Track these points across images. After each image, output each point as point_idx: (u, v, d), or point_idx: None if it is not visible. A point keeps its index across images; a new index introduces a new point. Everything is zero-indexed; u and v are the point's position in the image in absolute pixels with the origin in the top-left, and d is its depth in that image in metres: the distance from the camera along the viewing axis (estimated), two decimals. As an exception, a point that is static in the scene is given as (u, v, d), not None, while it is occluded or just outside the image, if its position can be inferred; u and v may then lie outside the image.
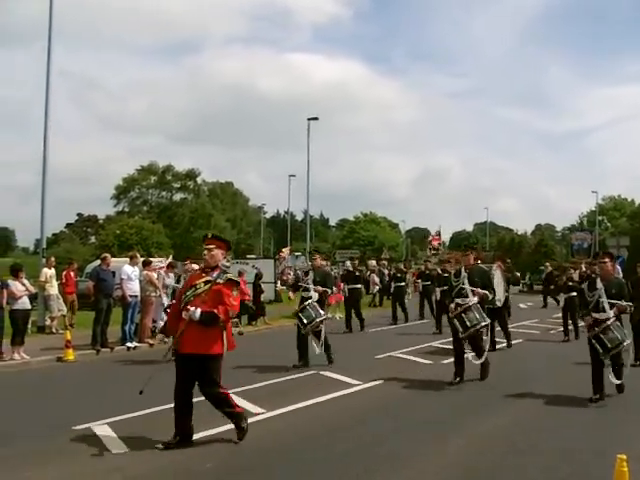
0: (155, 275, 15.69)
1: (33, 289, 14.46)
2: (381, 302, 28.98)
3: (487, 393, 9.66)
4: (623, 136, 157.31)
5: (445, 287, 12.70)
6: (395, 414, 8.49)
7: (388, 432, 7.49)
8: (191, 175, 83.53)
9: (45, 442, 6.91)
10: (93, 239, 79.20)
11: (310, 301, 12.11)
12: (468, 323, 10.23)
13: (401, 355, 13.63)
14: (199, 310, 6.64)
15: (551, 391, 9.73)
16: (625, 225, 65.02)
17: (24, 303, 13.18)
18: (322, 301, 12.56)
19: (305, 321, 11.95)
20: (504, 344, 14.78)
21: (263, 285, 21.95)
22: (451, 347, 10.95)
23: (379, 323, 20.91)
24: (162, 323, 8.91)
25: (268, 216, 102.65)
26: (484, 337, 10.75)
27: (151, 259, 17.50)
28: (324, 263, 21.00)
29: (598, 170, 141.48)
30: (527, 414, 8.48)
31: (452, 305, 10.44)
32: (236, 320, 19.03)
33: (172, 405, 6.89)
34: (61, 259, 27.53)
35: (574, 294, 15.09)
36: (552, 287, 28.62)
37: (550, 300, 28.04)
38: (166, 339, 13.47)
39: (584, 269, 16.24)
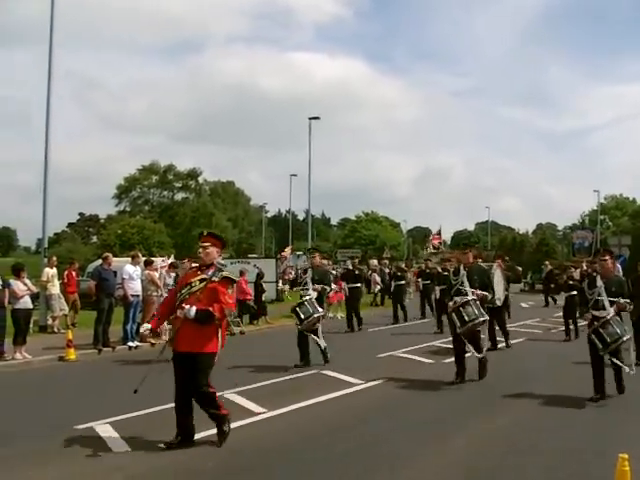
0: (157, 274, 15.72)
1: (35, 289, 14.48)
2: (382, 301, 28.96)
3: (487, 393, 9.66)
4: (625, 135, 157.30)
5: (444, 286, 12.67)
6: (396, 414, 8.50)
7: (389, 432, 7.50)
8: (192, 174, 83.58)
9: (46, 442, 6.92)
10: (95, 239, 79.24)
11: (308, 297, 12.11)
12: (466, 318, 10.16)
13: (402, 354, 13.63)
14: (194, 308, 6.60)
15: (551, 391, 9.73)
16: (627, 224, 65.09)
17: (26, 303, 13.20)
18: (321, 299, 12.55)
19: (302, 316, 11.94)
20: (504, 344, 14.75)
21: (265, 285, 21.96)
22: (452, 346, 10.94)
23: (380, 322, 20.90)
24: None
25: (269, 215, 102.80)
26: (482, 335, 10.71)
27: (153, 259, 17.53)
28: (325, 262, 21.03)
29: (600, 169, 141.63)
30: (527, 414, 8.47)
31: (451, 303, 10.42)
32: (237, 320, 19.09)
33: (174, 404, 6.90)
34: (63, 259, 27.49)
35: (574, 293, 15.06)
36: (552, 286, 28.67)
37: (557, 297, 27.98)
38: (153, 341, 13.58)
39: (585, 268, 16.22)
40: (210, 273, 6.84)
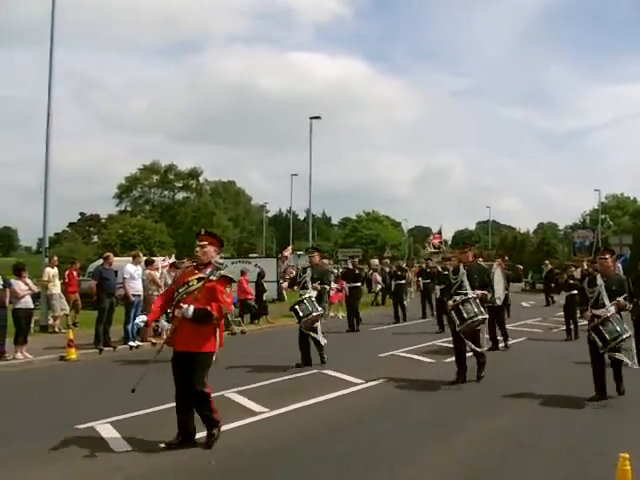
0: (158, 274, 15.73)
1: (36, 288, 14.49)
2: (383, 301, 28.97)
3: (488, 393, 9.65)
4: (625, 135, 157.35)
5: (444, 285, 12.63)
6: (396, 413, 8.50)
7: (389, 431, 7.50)
8: (193, 174, 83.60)
9: (47, 441, 6.91)
10: (95, 238, 79.29)
11: (308, 296, 12.10)
12: (465, 315, 10.11)
13: (403, 354, 13.63)
14: (192, 307, 6.58)
15: (552, 391, 9.73)
16: (628, 223, 65.06)
17: (27, 302, 13.21)
18: (320, 298, 12.53)
19: (301, 314, 11.91)
20: (502, 344, 14.70)
21: (265, 284, 21.96)
22: (453, 346, 10.92)
23: (381, 322, 20.91)
24: (164, 322, 8.85)
25: (270, 215, 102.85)
26: (481, 335, 10.65)
27: (153, 258, 17.54)
28: (326, 262, 21.03)
29: (600, 169, 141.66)
30: (528, 413, 8.47)
31: (450, 301, 10.39)
32: (239, 319, 19.11)
33: (174, 404, 6.89)
34: (64, 258, 27.51)
35: (575, 292, 15.03)
36: (552, 285, 28.65)
37: (556, 297, 27.94)
38: (154, 340, 13.59)
39: (586, 267, 16.21)
40: (208, 272, 6.81)
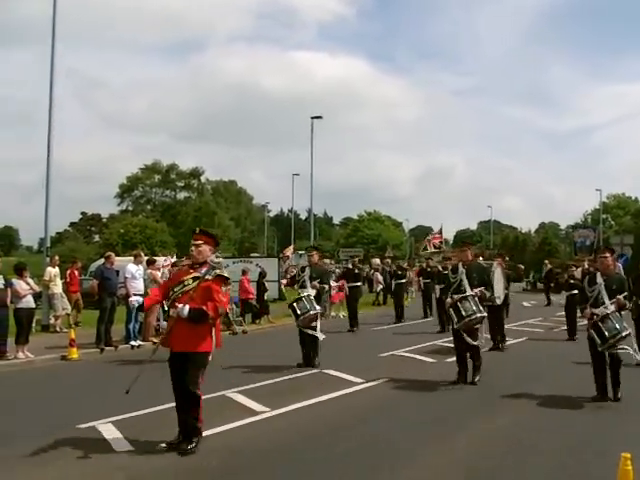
0: (159, 274, 15.73)
1: (37, 288, 14.51)
2: (385, 300, 28.98)
3: (488, 393, 9.65)
4: (627, 134, 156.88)
5: (444, 284, 12.59)
6: (397, 413, 8.51)
7: (389, 431, 7.50)
8: (195, 174, 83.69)
9: (49, 441, 6.92)
10: (97, 238, 79.29)
11: (306, 294, 12.08)
12: (463, 313, 10.06)
13: (404, 354, 13.63)
14: (187, 307, 6.52)
15: (552, 391, 9.73)
16: (629, 223, 64.91)
17: (28, 302, 13.23)
18: (319, 297, 12.53)
19: (298, 312, 11.88)
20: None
21: (267, 284, 21.94)
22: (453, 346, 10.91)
23: (382, 322, 20.91)
24: (165, 323, 8.85)
25: (272, 214, 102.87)
26: (479, 333, 10.58)
27: (155, 258, 17.55)
28: (327, 261, 21.06)
29: (602, 168, 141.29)
30: (528, 413, 8.47)
31: (449, 299, 10.37)
32: (240, 319, 19.11)
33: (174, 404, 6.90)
34: (65, 258, 27.52)
35: (575, 292, 14.98)
36: (552, 285, 28.67)
37: (554, 298, 27.97)
38: (155, 339, 13.55)
39: (587, 267, 16.18)
40: (203, 271, 6.76)
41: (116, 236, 57.39)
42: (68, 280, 19.17)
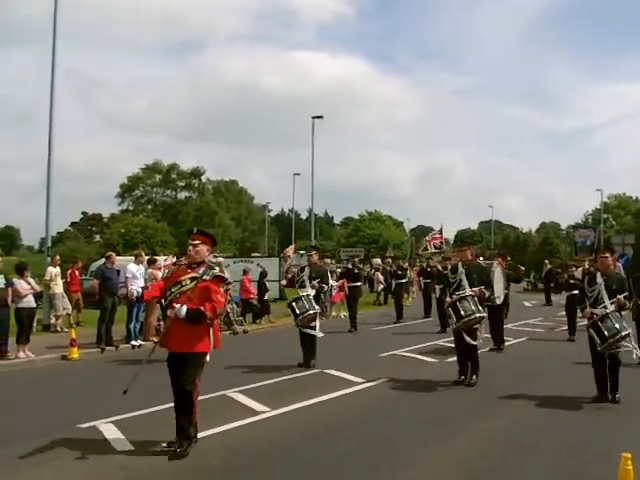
0: (160, 273, 15.72)
1: (38, 288, 14.52)
2: (386, 300, 28.97)
3: (488, 393, 9.64)
4: (628, 134, 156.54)
5: (443, 284, 12.55)
6: (397, 413, 8.51)
7: (390, 431, 7.51)
8: (196, 173, 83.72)
9: (49, 441, 6.93)
10: (98, 238, 79.31)
11: (305, 294, 12.07)
12: (462, 312, 10.03)
13: (405, 353, 13.64)
14: (185, 307, 6.47)
15: (552, 391, 9.74)
16: (630, 223, 64.89)
17: (29, 302, 13.24)
18: (318, 297, 12.51)
19: (297, 311, 11.88)
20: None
21: (268, 283, 21.94)
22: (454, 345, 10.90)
23: (383, 321, 20.91)
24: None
25: (273, 214, 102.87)
26: (479, 333, 10.50)
27: (156, 257, 17.55)
28: (328, 261, 21.03)
29: (603, 168, 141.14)
30: (528, 414, 8.48)
31: (448, 299, 10.33)
32: (241, 318, 19.12)
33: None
34: (66, 258, 27.53)
35: (575, 292, 14.94)
36: (552, 285, 28.65)
37: (554, 298, 27.95)
38: (156, 339, 13.53)
39: (587, 266, 16.15)
40: (201, 271, 6.70)
41: (117, 236, 57.41)
42: (69, 280, 19.20)
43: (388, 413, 8.51)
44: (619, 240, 41.97)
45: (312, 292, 12.16)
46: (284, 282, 14.90)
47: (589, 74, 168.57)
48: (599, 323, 8.74)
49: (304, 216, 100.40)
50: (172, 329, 6.61)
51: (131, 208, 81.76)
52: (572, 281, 16.21)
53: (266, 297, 21.35)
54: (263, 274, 22.21)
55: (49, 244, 19.17)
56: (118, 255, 18.51)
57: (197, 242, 6.87)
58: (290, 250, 33.25)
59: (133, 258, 16.20)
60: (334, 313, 23.34)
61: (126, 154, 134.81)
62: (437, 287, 18.87)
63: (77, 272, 19.87)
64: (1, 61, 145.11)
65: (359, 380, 10.46)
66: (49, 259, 18.13)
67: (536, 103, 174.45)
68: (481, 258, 18.59)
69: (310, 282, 12.28)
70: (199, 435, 6.90)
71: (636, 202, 78.70)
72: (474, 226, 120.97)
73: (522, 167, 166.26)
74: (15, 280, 13.05)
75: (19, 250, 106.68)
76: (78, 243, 67.57)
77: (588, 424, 7.91)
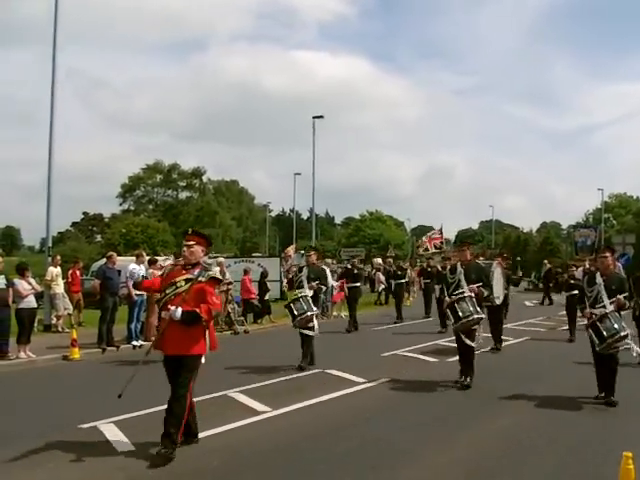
0: (160, 274, 15.71)
1: (39, 288, 14.52)
2: (387, 300, 28.96)
3: (489, 393, 9.64)
4: (629, 134, 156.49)
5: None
6: (398, 413, 8.51)
7: (391, 431, 7.51)
8: (196, 173, 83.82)
9: (50, 441, 6.93)
10: (99, 238, 79.38)
11: (304, 295, 12.02)
12: (460, 314, 9.96)
13: (406, 353, 13.64)
14: (180, 309, 6.37)
15: (553, 390, 9.74)
16: (631, 222, 64.89)
17: (30, 302, 13.24)
18: (316, 298, 12.46)
19: (295, 312, 11.84)
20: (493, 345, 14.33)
21: (269, 283, 21.94)
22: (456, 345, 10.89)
23: (384, 321, 20.89)
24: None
25: (274, 214, 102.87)
26: (477, 333, 10.44)
27: (157, 257, 17.55)
28: (329, 261, 20.99)
29: (604, 168, 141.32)
30: (529, 413, 8.47)
31: (447, 299, 10.29)
32: (241, 319, 19.11)
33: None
34: (67, 258, 27.57)
35: (575, 292, 14.90)
36: (551, 285, 28.63)
37: (555, 297, 27.92)
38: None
39: (587, 266, 16.13)
40: (196, 273, 6.61)
41: (118, 236, 57.49)
42: (70, 280, 19.21)
43: (389, 413, 8.51)
44: (620, 240, 42.01)
45: (310, 293, 12.12)
46: (286, 284, 14.84)
47: (590, 73, 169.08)
48: (598, 323, 8.70)
49: (305, 216, 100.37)
50: (167, 331, 6.52)
51: (132, 208, 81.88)
52: (572, 281, 16.19)
53: (267, 297, 21.34)
54: (264, 274, 22.20)
55: (50, 244, 19.17)
56: (119, 255, 18.49)
57: (192, 243, 6.78)
58: (291, 250, 33.30)
59: (134, 258, 16.21)
60: (335, 313, 23.34)
61: (127, 154, 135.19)
62: (437, 287, 18.84)
63: (78, 272, 19.89)
64: (2, 61, 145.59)
65: (360, 380, 10.46)
66: (50, 259, 18.13)
67: (537, 102, 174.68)
68: (481, 258, 18.58)
69: (308, 283, 12.25)
70: (200, 435, 6.91)
71: (637, 202, 78.71)
72: (475, 226, 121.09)
73: (523, 167, 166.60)
74: (16, 280, 13.06)
75: (20, 250, 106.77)
76: (79, 243, 67.64)
77: (589, 424, 7.91)
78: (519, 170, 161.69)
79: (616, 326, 8.63)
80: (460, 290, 10.19)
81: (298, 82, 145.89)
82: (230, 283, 18.41)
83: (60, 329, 17.43)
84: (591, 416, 8.31)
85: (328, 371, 11.38)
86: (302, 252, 45.63)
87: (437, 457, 6.57)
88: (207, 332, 6.67)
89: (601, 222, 63.62)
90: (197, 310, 6.43)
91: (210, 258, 20.21)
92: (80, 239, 74.85)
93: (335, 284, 21.86)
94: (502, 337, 14.69)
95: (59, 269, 18.00)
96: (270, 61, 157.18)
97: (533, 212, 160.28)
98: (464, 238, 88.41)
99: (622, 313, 9.03)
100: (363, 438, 7.18)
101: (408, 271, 25.21)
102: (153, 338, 13.80)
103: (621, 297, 8.81)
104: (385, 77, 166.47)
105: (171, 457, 6.27)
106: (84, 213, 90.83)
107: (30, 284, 13.32)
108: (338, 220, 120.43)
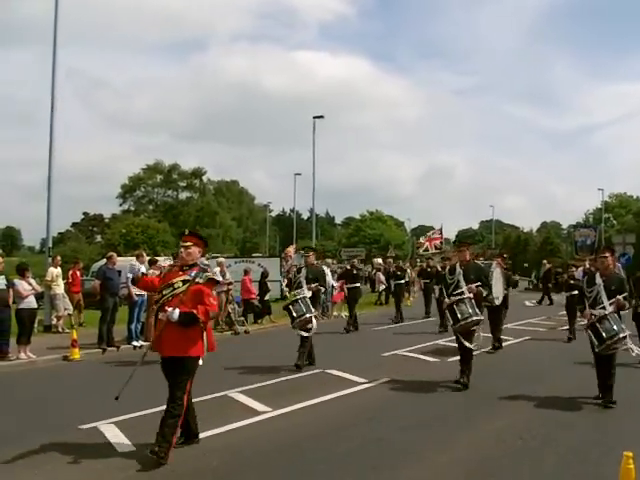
0: (159, 273, 15.72)
1: (39, 288, 14.51)
2: (387, 300, 28.95)
3: (489, 393, 9.64)
4: (629, 134, 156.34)
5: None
6: (399, 413, 8.51)
7: (391, 431, 7.51)
8: (197, 174, 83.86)
9: (51, 441, 6.93)
10: (99, 238, 79.41)
11: (302, 296, 11.97)
12: (459, 315, 9.94)
13: (407, 353, 13.64)
14: (177, 311, 6.32)
15: (553, 390, 9.73)
16: (631, 222, 64.86)
17: (30, 302, 13.23)
18: (315, 299, 12.43)
19: (294, 314, 11.81)
20: (490, 347, 14.18)
21: (269, 283, 21.93)
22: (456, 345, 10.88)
23: (384, 322, 20.88)
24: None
25: (274, 214, 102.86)
26: (476, 334, 10.37)
27: (157, 258, 17.55)
28: (329, 261, 20.96)
29: (604, 168, 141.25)
30: (529, 414, 8.47)
31: (446, 300, 10.28)
32: (242, 319, 19.11)
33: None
34: (67, 258, 27.61)
35: (575, 293, 14.86)
36: (550, 285, 28.60)
37: (556, 297, 27.88)
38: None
39: (588, 266, 16.10)
40: (193, 274, 6.56)
41: (118, 236, 57.51)
42: (70, 280, 19.22)
43: (389, 413, 8.51)
44: (620, 239, 41.94)
45: (309, 294, 12.09)
46: (286, 282, 14.80)
47: (590, 73, 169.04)
48: (597, 325, 8.65)
49: (305, 216, 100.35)
50: (164, 333, 6.46)
51: (132, 208, 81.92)
52: (572, 281, 16.18)
53: (267, 297, 21.33)
54: (264, 274, 22.19)
55: (50, 245, 19.17)
56: (119, 255, 18.50)
57: (189, 244, 6.73)
58: (291, 250, 33.28)
59: (134, 258, 16.20)
60: (335, 313, 23.33)
61: (127, 154, 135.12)
62: (436, 287, 18.81)
63: (78, 273, 19.90)
64: (2, 61, 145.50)
65: (360, 380, 10.46)
66: (50, 260, 18.13)
67: (537, 102, 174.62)
68: (481, 258, 18.57)
69: (307, 284, 12.20)
70: (200, 435, 6.91)
71: (637, 201, 78.67)
72: (475, 226, 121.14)
73: (523, 166, 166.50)
74: (16, 281, 13.05)
75: (20, 251, 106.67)
76: (79, 243, 67.66)
77: (589, 424, 7.91)
78: (519, 170, 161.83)
79: (615, 327, 8.59)
80: (459, 290, 10.19)
81: (298, 82, 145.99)
82: (230, 283, 18.41)
83: (60, 329, 17.42)
84: (591, 416, 8.31)
85: (328, 371, 11.38)
86: (302, 252, 45.79)
87: (437, 457, 6.56)
88: (205, 333, 6.62)
89: (601, 222, 63.63)
90: (194, 311, 6.37)
91: (211, 258, 20.28)
92: (80, 239, 74.87)
93: (335, 284, 21.88)
94: (502, 337, 14.68)
95: (59, 269, 18.00)
96: (270, 61, 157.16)
97: (533, 212, 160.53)
98: (464, 238, 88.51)
99: (622, 313, 8.99)
100: (364, 438, 7.18)
101: (408, 271, 25.22)
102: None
103: (621, 298, 8.77)
104: (385, 77, 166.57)
105: (163, 458, 6.18)
106: (84, 213, 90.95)
107: (30, 284, 13.31)
108: (338, 220, 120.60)
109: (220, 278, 17.48)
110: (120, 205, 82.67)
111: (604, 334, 8.58)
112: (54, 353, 13.53)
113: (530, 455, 6.54)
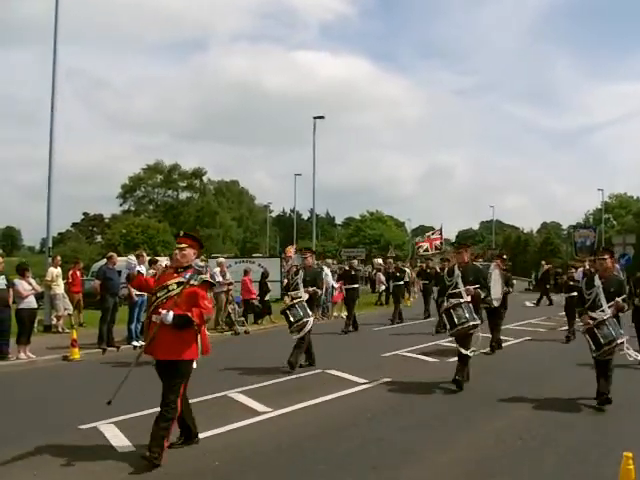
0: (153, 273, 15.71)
1: (39, 288, 14.51)
2: (387, 300, 28.94)
3: (489, 393, 9.65)
4: (630, 134, 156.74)
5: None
6: (399, 413, 8.51)
7: (391, 431, 7.50)
8: (197, 174, 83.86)
9: (50, 442, 6.93)
10: (99, 238, 79.42)
11: (299, 300, 11.94)
12: (456, 320, 9.91)
13: (407, 354, 13.64)
14: (171, 313, 6.23)
15: (553, 391, 9.73)
16: (631, 223, 64.88)
17: (30, 302, 13.24)
18: (312, 301, 12.34)
19: (292, 319, 11.75)
20: (488, 348, 13.92)
21: (269, 284, 21.92)
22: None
23: (384, 322, 20.86)
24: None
25: (274, 215, 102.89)
26: (474, 338, 10.27)
27: (157, 258, 17.55)
28: (329, 261, 20.94)
29: (604, 168, 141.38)
30: (529, 414, 8.46)
31: (444, 304, 10.24)
32: (242, 319, 19.11)
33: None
34: (67, 258, 27.59)
35: (574, 294, 14.80)
36: (548, 286, 28.59)
37: (556, 298, 27.86)
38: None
39: (587, 267, 16.09)
40: (188, 276, 6.47)
41: (118, 236, 57.47)
42: (70, 280, 19.21)
43: (389, 413, 8.50)
44: (620, 240, 41.96)
45: (305, 296, 12.05)
46: (284, 285, 14.78)
47: (590, 73, 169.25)
48: (595, 330, 8.57)
49: (305, 216, 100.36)
50: (158, 336, 6.35)
51: (132, 208, 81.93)
52: (571, 283, 16.17)
53: (267, 297, 21.32)
54: (264, 274, 22.18)
55: (50, 244, 19.17)
56: (119, 256, 18.47)
57: (183, 245, 6.65)
58: (291, 250, 33.32)
59: (134, 258, 16.17)
60: (335, 313, 23.32)
61: (127, 154, 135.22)
62: (435, 289, 18.78)
63: (78, 273, 19.89)
64: (2, 61, 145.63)
65: (361, 380, 10.46)
66: (50, 260, 18.13)
67: (538, 102, 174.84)
68: (480, 260, 18.55)
69: (304, 286, 12.13)
70: (200, 436, 6.91)
71: (637, 202, 78.65)
72: (475, 226, 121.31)
73: (523, 167, 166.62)
74: (16, 281, 13.05)
75: (20, 250, 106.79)
76: (79, 243, 67.73)
77: (589, 424, 7.90)
78: (519, 170, 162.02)
79: (613, 333, 8.51)
80: (457, 290, 10.16)
81: (299, 82, 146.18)
82: (230, 283, 18.43)
83: (60, 329, 17.43)
84: (591, 416, 8.30)
85: (328, 371, 11.38)
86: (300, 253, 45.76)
87: (437, 457, 6.56)
88: (199, 336, 6.54)
89: (601, 222, 63.62)
90: (189, 314, 6.29)
91: (211, 258, 20.28)
92: (80, 239, 74.94)
93: (335, 284, 21.89)
94: (502, 337, 14.67)
95: (59, 269, 18.01)
96: (271, 61, 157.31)
97: (533, 212, 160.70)
98: (464, 239, 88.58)
99: (620, 315, 8.93)
100: (364, 438, 7.18)
101: (408, 271, 25.21)
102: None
103: (620, 300, 8.73)
104: (386, 77, 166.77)
105: (157, 458, 6.14)
106: (84, 213, 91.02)
107: (30, 284, 13.31)
108: (339, 220, 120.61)
109: (220, 278, 17.54)
110: (120, 205, 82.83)
111: (602, 340, 8.51)
112: (54, 353, 13.54)
113: (530, 455, 6.54)
